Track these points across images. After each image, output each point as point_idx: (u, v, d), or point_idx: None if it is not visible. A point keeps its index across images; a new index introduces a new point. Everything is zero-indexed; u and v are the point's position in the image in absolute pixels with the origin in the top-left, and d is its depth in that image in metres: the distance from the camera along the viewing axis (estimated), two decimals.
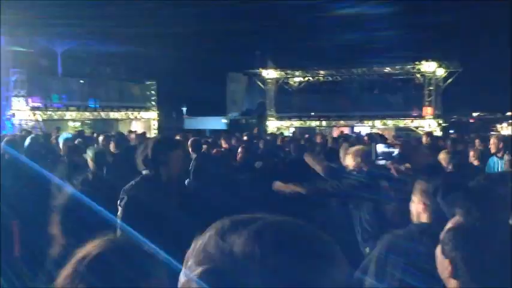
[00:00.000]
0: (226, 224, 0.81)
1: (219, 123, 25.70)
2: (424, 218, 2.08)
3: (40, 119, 16.55)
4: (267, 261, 0.72)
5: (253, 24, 24.80)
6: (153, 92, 21.60)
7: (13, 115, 15.72)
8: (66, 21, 17.45)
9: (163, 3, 21.48)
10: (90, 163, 4.61)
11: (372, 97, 22.52)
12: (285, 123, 23.69)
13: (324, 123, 23.00)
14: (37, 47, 18.21)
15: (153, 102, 21.66)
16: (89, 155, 4.66)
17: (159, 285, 1.20)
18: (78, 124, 18.32)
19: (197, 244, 0.82)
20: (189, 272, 0.80)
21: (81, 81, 19.11)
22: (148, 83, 21.48)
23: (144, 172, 2.75)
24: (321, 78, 24.24)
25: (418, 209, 2.11)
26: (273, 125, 23.43)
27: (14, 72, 15.87)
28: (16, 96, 15.95)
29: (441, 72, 21.32)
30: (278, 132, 19.24)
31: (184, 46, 23.21)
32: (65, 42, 18.81)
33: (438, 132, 19.09)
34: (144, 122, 20.97)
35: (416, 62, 21.46)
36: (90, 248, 1.23)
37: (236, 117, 26.88)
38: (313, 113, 23.32)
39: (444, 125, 21.52)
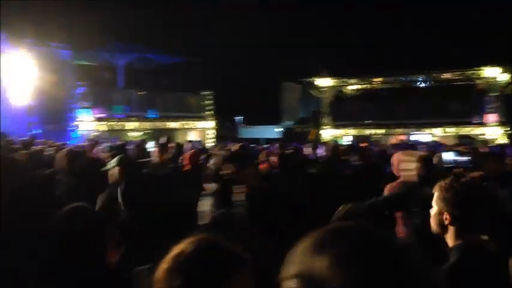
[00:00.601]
0: (321, 236, 0.82)
1: (274, 132, 25.78)
2: None
3: (103, 129, 17.25)
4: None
5: (307, 32, 24.84)
6: (209, 102, 22.01)
7: (78, 126, 16.48)
8: (126, 36, 18.21)
9: (220, 14, 21.95)
10: None
11: (431, 104, 21.86)
12: (341, 131, 23.44)
13: (380, 131, 22.55)
14: (100, 61, 19.13)
15: (210, 112, 22.05)
16: None
17: (244, 283, 1.25)
18: (138, 134, 18.94)
19: (294, 252, 0.84)
20: (285, 278, 0.83)
21: (141, 92, 19.77)
22: (204, 93, 21.91)
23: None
24: (377, 85, 23.84)
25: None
26: (328, 133, 23.26)
27: (79, 85, 16.65)
28: (81, 107, 16.72)
29: (505, 77, 20.42)
30: (333, 141, 19.10)
31: (240, 56, 23.50)
32: (126, 56, 19.62)
33: (504, 140, 18.30)
34: (200, 131, 21.39)
35: (477, 68, 20.68)
36: (185, 245, 1.30)
37: (290, 126, 26.89)
38: (369, 121, 22.93)
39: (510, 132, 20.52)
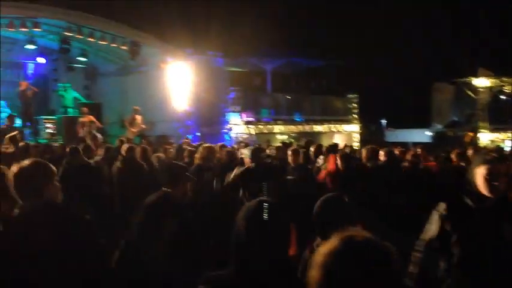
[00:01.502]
0: None
1: (423, 135, 24.46)
2: None
3: (253, 132, 18.02)
4: None
5: (460, 29, 23.12)
6: (354, 104, 21.69)
7: (230, 129, 17.45)
8: (275, 42, 18.79)
9: (364, 13, 21.54)
10: None
11: None
12: (501, 135, 21.35)
13: None
14: (250, 66, 20.06)
15: (355, 115, 21.73)
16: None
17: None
18: (285, 137, 19.41)
19: None
20: None
21: (288, 96, 20.23)
22: (350, 96, 21.65)
23: None
24: None
25: None
26: (485, 137, 21.35)
27: (232, 90, 17.64)
28: (233, 111, 17.68)
29: None
30: (493, 146, 17.46)
31: (386, 57, 22.81)
32: (274, 61, 20.28)
33: None
34: (346, 134, 21.17)
35: None
36: (333, 243, 1.28)
37: (441, 130, 25.26)
38: None
39: None
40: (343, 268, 1.24)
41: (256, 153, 6.04)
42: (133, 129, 15.14)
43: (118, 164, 6.90)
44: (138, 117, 15.44)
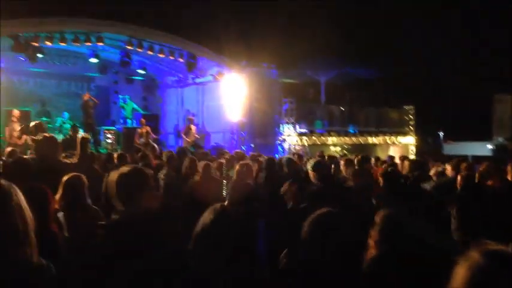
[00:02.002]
0: None
1: (483, 148, 23.45)
2: None
3: (306, 143, 17.94)
4: None
5: None
6: (411, 116, 21.18)
7: (284, 140, 17.46)
8: (328, 53, 18.72)
9: (417, 25, 21.07)
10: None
11: None
12: None
13: None
14: (304, 78, 20.06)
15: (411, 127, 21.20)
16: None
17: None
18: (338, 149, 19.20)
19: None
20: None
21: (342, 107, 20.03)
22: (406, 107, 21.17)
23: None
24: None
25: None
26: None
27: (286, 102, 17.66)
28: (287, 123, 17.69)
29: None
30: None
31: (444, 66, 22.22)
32: (328, 72, 20.18)
33: None
34: (401, 147, 20.68)
35: None
36: (475, 255, 1.29)
37: (503, 143, 24.14)
38: None
39: None
40: (493, 282, 1.26)
41: (320, 169, 5.78)
42: (188, 139, 15.49)
43: (196, 177, 6.77)
44: (193, 127, 15.79)
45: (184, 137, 15.68)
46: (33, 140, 4.02)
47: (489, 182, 6.74)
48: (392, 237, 2.60)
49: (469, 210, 4.74)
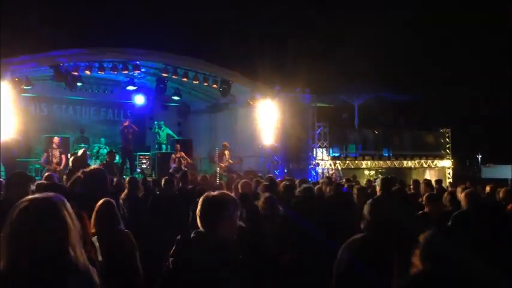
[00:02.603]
0: None
1: None
2: None
3: (339, 167, 17.78)
4: None
5: None
6: (447, 139, 20.77)
7: (317, 164, 17.34)
8: (362, 77, 18.67)
9: (448, 46, 20.80)
10: None
11: None
12: None
13: None
14: (337, 102, 20.00)
15: (448, 150, 20.77)
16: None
17: None
18: (372, 172, 18.94)
19: None
20: None
21: (376, 131, 19.83)
22: (442, 130, 20.79)
23: None
24: None
25: None
26: None
27: (319, 126, 17.60)
28: (320, 147, 17.60)
29: None
30: None
31: (481, 88, 21.82)
32: (361, 96, 20.08)
33: None
34: (438, 170, 20.25)
35: None
36: None
37: None
38: None
39: None
40: None
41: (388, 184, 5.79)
42: (222, 164, 15.57)
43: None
44: (227, 153, 15.88)
45: (217, 161, 15.77)
46: (83, 173, 4.11)
47: None
48: (433, 257, 2.56)
49: None
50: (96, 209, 4.09)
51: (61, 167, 12.95)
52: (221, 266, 2.62)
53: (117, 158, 15.87)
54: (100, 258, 3.66)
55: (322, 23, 18.10)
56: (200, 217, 2.77)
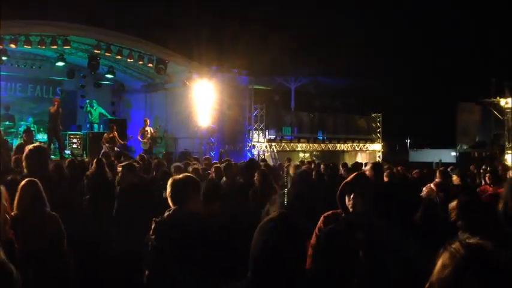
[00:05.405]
0: None
1: (448, 156, 24.04)
2: None
3: (275, 150, 17.99)
4: None
5: (487, 49, 22.86)
6: (378, 124, 21.56)
7: (253, 146, 17.45)
8: (299, 61, 18.85)
9: (385, 35, 21.48)
10: None
11: None
12: None
13: None
14: (274, 84, 20.13)
15: (378, 134, 21.57)
16: None
17: None
18: (307, 155, 19.32)
19: None
20: None
21: (311, 114, 20.20)
22: (374, 115, 21.54)
23: None
24: None
25: None
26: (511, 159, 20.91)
27: (255, 108, 17.67)
28: (256, 129, 17.70)
29: None
30: None
31: (409, 77, 22.69)
32: (298, 80, 20.32)
33: None
34: (369, 153, 21.01)
35: None
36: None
37: (467, 150, 24.81)
38: None
39: None
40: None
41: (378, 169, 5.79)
42: (144, 140, 15.46)
43: None
44: (148, 129, 15.73)
45: (140, 139, 15.71)
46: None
47: None
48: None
49: None
50: (19, 188, 3.83)
51: None
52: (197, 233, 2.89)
53: (43, 136, 15.21)
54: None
55: (262, 5, 18.02)
56: (171, 196, 3.11)
